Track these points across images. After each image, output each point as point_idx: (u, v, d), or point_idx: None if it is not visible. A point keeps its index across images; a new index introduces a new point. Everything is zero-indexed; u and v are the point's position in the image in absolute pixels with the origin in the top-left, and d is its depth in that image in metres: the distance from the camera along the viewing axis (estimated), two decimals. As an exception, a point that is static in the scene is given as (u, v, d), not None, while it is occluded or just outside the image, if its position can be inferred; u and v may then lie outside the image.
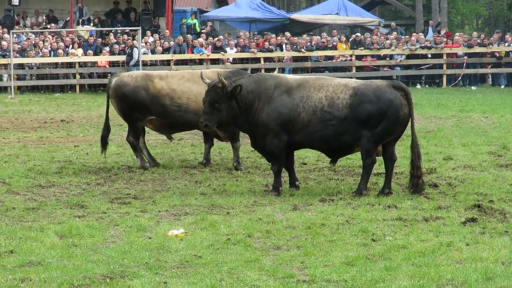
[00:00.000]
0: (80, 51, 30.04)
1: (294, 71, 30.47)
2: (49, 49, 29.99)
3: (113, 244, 8.38)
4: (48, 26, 32.71)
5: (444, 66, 31.28)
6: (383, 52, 31.22)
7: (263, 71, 27.91)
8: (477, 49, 31.40)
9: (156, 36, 31.52)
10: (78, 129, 18.79)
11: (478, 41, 31.85)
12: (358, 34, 34.41)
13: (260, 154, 11.94)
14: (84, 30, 31.87)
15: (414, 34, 34.13)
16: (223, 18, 39.63)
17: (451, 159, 13.61)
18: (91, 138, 17.04)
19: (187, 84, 13.09)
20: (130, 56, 28.92)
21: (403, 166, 12.63)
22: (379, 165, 11.71)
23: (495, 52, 31.39)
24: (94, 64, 30.06)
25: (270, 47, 31.15)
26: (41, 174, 12.62)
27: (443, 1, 42.51)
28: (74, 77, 29.83)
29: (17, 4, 33.00)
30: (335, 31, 34.89)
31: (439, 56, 31.31)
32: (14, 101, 26.34)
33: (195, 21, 35.75)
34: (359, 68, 31.21)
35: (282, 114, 10.75)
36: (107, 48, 30.38)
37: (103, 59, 29.99)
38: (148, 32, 31.90)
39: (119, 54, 29.76)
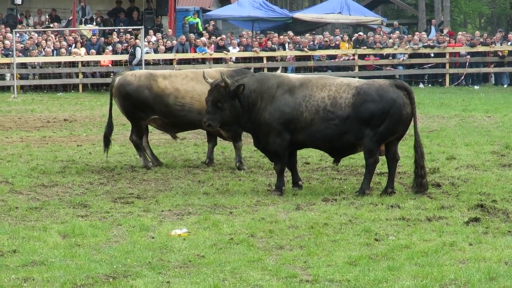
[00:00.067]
0: (83, 50, 30.05)
1: (297, 70, 30.46)
2: (52, 48, 29.98)
3: (116, 244, 8.38)
4: (51, 25, 32.67)
5: (447, 65, 31.22)
6: (385, 51, 31.19)
7: (265, 70, 27.90)
8: (480, 48, 31.34)
9: (159, 35, 31.52)
10: (81, 129, 18.79)
11: (481, 40, 31.79)
12: (361, 33, 34.43)
13: (263, 154, 11.92)
14: (87, 29, 31.86)
15: (416, 33, 34.05)
16: (225, 17, 39.66)
17: (454, 158, 13.60)
18: (94, 137, 17.02)
19: (190, 83, 13.07)
20: (133, 55, 28.93)
21: (406, 165, 12.63)
22: (382, 165, 11.71)
23: (498, 51, 31.32)
24: (97, 63, 30.07)
25: (273, 46, 31.13)
26: (44, 174, 12.62)
27: (446, 0, 42.46)
28: (77, 77, 29.81)
29: (20, 3, 32.99)
30: (338, 30, 34.78)
31: (442, 55, 31.26)
32: (17, 101, 26.33)
33: (197, 20, 35.74)
34: (361, 67, 31.20)
35: (284, 113, 10.74)
36: (110, 47, 30.39)
37: (106, 58, 29.99)
38: (151, 31, 31.91)
39: (121, 53, 29.78)
